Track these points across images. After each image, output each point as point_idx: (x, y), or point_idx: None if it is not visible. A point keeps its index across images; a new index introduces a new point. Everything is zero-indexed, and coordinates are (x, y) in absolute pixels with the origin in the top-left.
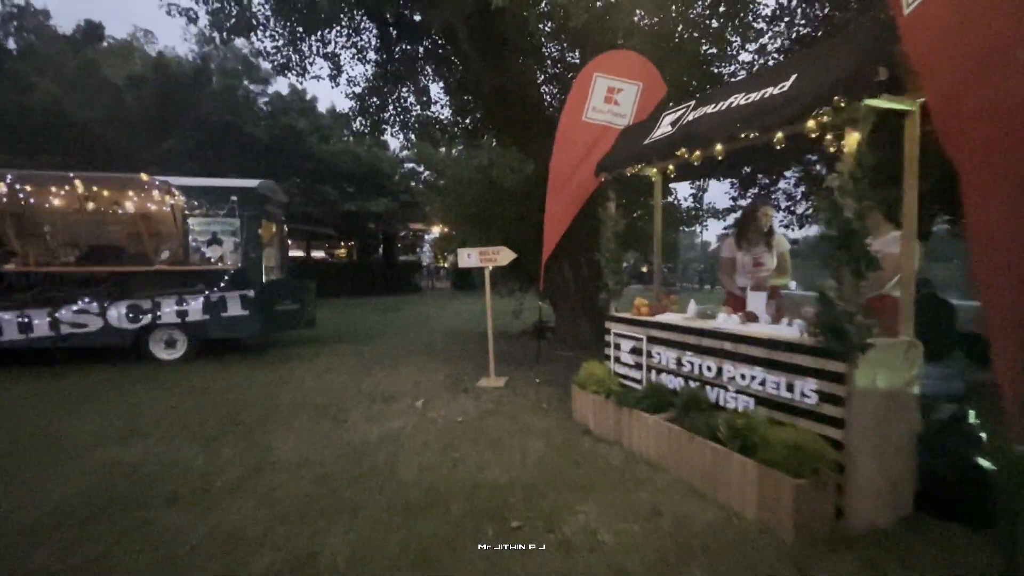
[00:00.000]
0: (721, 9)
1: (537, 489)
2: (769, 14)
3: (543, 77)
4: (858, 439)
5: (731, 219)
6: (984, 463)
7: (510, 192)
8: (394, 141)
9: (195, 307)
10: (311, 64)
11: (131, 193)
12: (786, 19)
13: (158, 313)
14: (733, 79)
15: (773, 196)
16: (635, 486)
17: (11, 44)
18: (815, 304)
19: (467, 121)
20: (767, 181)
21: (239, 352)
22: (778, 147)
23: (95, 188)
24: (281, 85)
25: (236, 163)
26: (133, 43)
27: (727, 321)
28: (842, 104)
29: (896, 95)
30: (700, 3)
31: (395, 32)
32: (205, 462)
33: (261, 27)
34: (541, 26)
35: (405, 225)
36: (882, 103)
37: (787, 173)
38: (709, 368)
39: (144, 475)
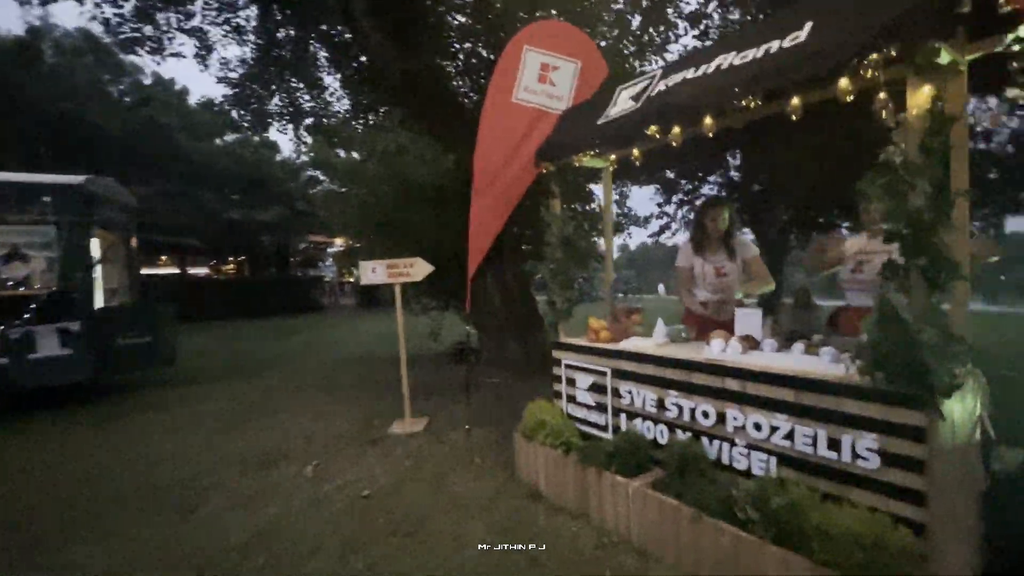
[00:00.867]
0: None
1: None
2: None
3: (460, 62)
4: (945, 520)
5: (655, 226)
6: None
7: (425, 191)
8: (290, 144)
9: None
10: (170, 40)
11: None
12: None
13: None
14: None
15: (697, 200)
16: None
17: None
18: (868, 327)
19: (370, 116)
20: (690, 186)
21: (70, 402)
22: (793, 116)
23: None
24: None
25: (85, 162)
26: None
27: (722, 349)
28: (904, 50)
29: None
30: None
31: (279, 8)
32: None
33: None
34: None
35: (304, 237)
36: (950, 53)
37: (710, 177)
38: (706, 414)
39: None
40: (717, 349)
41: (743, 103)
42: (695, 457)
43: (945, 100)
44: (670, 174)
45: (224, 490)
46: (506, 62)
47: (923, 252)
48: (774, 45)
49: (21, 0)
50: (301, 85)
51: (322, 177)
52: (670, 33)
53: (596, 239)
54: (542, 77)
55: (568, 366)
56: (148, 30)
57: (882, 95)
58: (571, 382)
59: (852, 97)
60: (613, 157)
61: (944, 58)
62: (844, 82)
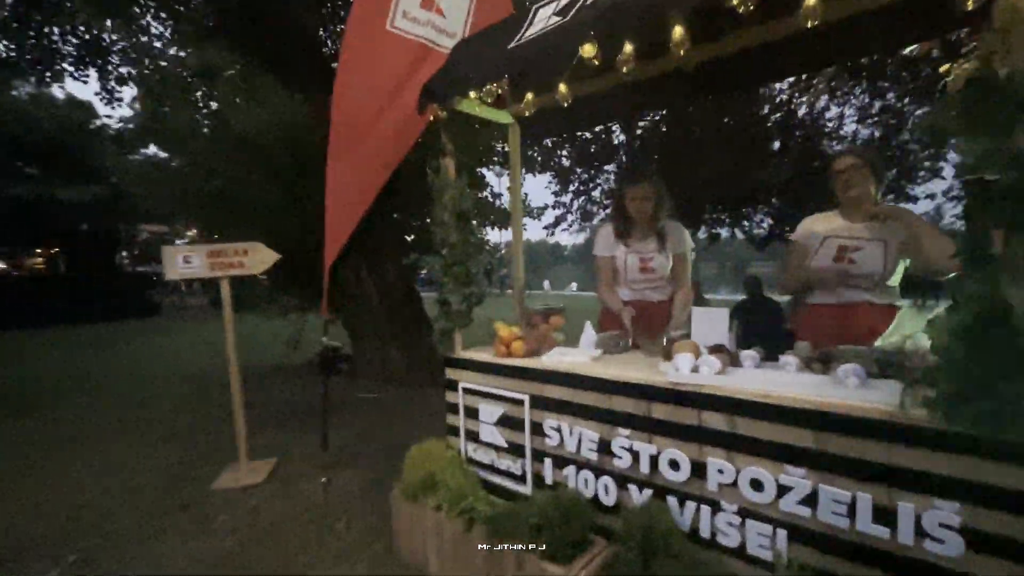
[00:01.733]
0: None
1: None
2: None
3: None
4: None
5: (552, 217)
6: None
7: (273, 157)
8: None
9: None
10: None
11: None
12: None
13: None
14: None
15: (593, 191)
16: None
17: None
18: (934, 335)
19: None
20: (586, 175)
21: None
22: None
23: None
24: None
25: None
26: None
27: (692, 367)
28: None
29: None
30: None
31: None
32: None
33: None
34: None
35: (135, 225)
36: None
37: (607, 166)
38: (674, 464)
39: None
40: (685, 367)
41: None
42: (663, 533)
43: None
44: (566, 162)
45: None
46: None
47: None
48: None
49: None
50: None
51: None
52: None
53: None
54: (427, 2)
55: (468, 391)
56: None
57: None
58: (472, 413)
59: None
60: (525, 102)
61: None
62: None
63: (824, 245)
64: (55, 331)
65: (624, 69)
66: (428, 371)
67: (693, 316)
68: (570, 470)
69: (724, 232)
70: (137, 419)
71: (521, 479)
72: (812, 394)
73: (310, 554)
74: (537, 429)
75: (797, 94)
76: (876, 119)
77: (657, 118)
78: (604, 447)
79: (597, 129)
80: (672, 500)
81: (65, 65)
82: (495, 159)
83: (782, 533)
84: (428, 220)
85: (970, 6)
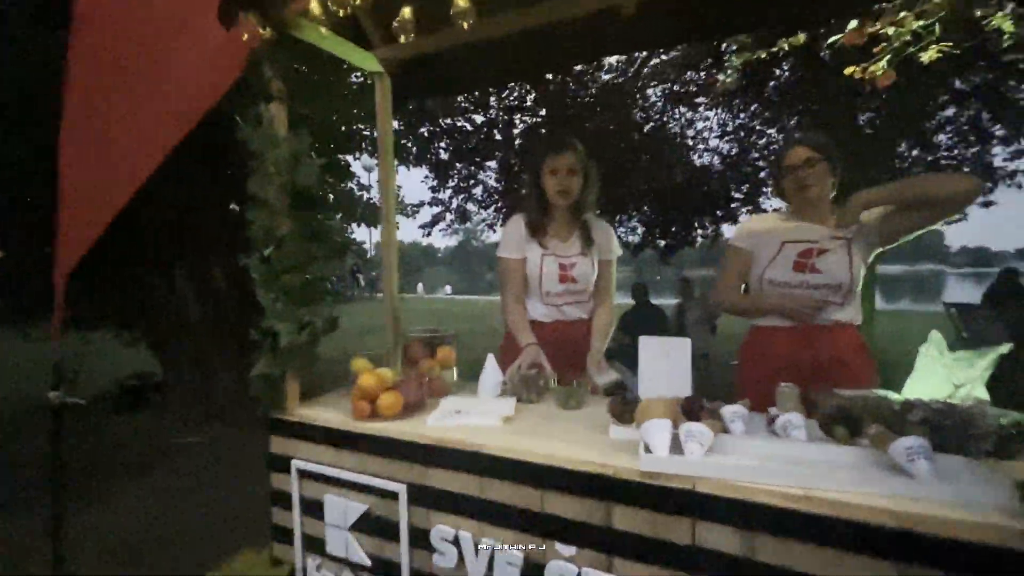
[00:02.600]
0: None
1: None
2: None
3: None
4: None
5: (428, 215)
6: None
7: None
8: None
9: None
10: None
11: None
12: None
13: None
14: None
15: (473, 189)
16: None
17: None
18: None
19: None
20: (466, 170)
21: None
22: None
23: None
24: None
25: None
26: None
27: (665, 443)
28: None
29: None
30: None
31: None
32: None
33: None
34: None
35: None
36: None
37: (490, 163)
38: None
39: None
40: (661, 443)
41: None
42: None
43: None
44: (443, 155)
45: None
46: None
47: None
48: None
49: None
50: None
51: None
52: None
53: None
54: None
55: (307, 475)
56: None
57: None
58: (314, 509)
59: None
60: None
61: None
62: None
63: (783, 251)
64: None
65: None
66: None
67: (641, 349)
68: None
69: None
70: None
71: None
72: (879, 492)
73: None
74: (420, 539)
75: (670, 104)
76: (732, 136)
77: (538, 120)
78: (534, 574)
79: (479, 121)
80: None
81: None
82: (362, 144)
83: None
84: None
85: None
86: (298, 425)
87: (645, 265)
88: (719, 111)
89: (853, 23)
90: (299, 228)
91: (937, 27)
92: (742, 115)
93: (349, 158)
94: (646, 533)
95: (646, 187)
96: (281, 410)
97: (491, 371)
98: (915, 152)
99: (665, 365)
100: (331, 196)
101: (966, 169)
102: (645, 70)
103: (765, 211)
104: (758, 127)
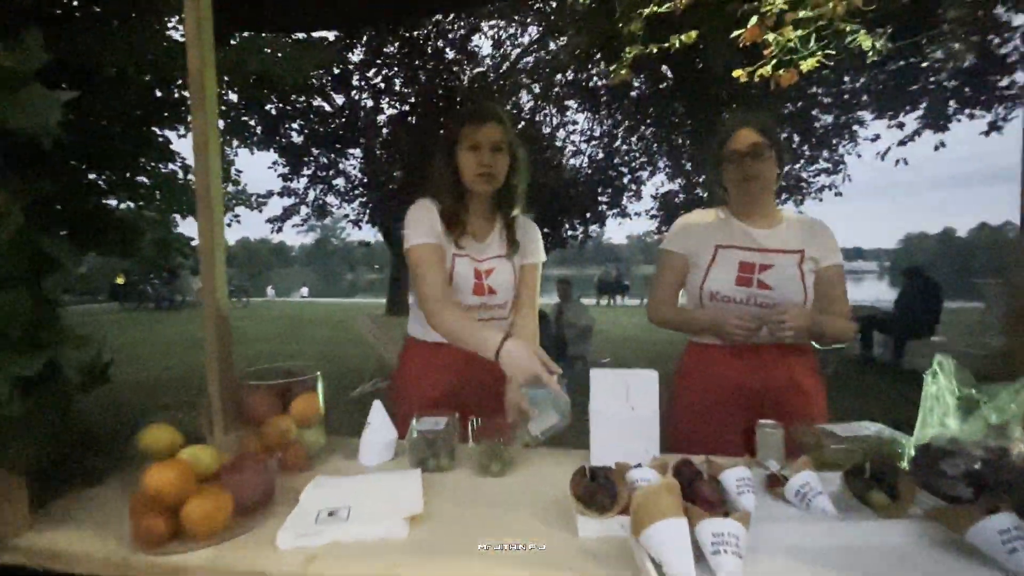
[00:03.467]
0: None
1: None
2: None
3: None
4: None
5: (276, 208)
6: None
7: None
8: None
9: None
10: None
11: None
12: None
13: None
14: None
15: (334, 180)
16: None
17: None
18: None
19: None
20: (325, 157)
21: None
22: None
23: None
24: None
25: None
26: None
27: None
28: None
29: None
30: None
31: None
32: None
33: None
34: None
35: None
36: None
37: (353, 151)
38: None
39: None
40: (684, 568)
41: None
42: None
43: None
44: (297, 137)
45: None
46: None
47: None
48: None
49: None
50: None
51: None
52: None
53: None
54: None
55: None
56: None
57: None
58: None
59: None
60: None
61: None
62: None
63: (720, 259)
64: None
65: None
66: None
67: (593, 383)
68: None
69: None
70: None
71: None
72: None
73: None
74: None
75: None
76: (597, 141)
77: (405, 108)
78: None
79: (340, 102)
80: None
81: None
82: (187, 116)
83: None
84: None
85: None
86: (18, 572)
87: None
88: (588, 114)
89: (753, 19)
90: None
91: (813, 39)
92: (608, 121)
93: (172, 135)
94: None
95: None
96: None
97: (379, 427)
98: None
99: (623, 409)
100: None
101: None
102: (519, 65)
103: (629, 216)
104: (622, 133)
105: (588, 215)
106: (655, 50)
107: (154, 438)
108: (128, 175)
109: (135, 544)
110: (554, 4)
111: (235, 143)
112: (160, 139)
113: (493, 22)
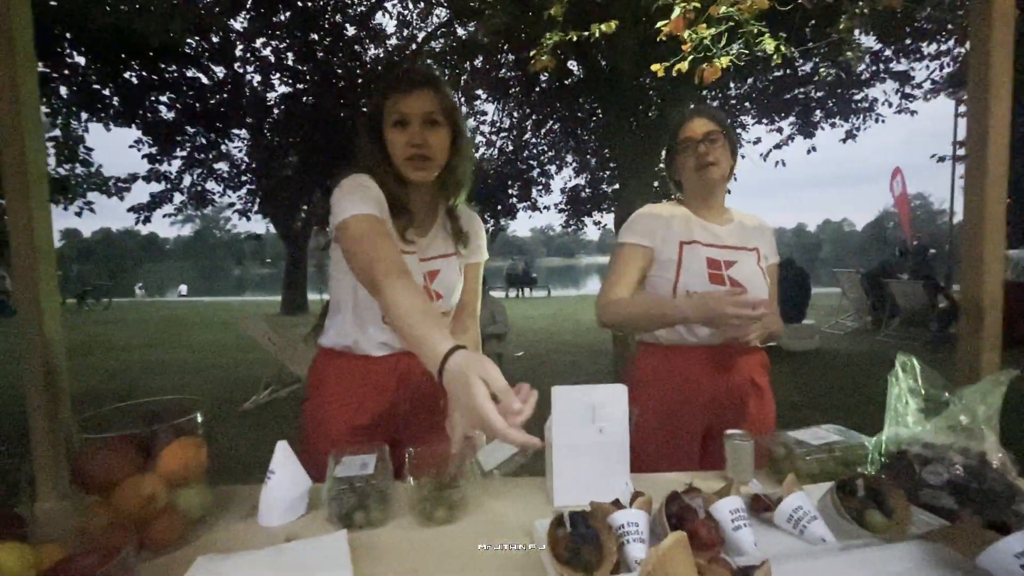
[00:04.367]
0: None
1: None
2: None
3: None
4: None
5: (143, 194)
6: None
7: None
8: None
9: None
10: None
11: None
12: None
13: None
14: None
15: (215, 163)
16: None
17: None
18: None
19: None
20: (204, 138)
21: None
22: None
23: None
24: None
25: None
26: None
27: None
28: None
29: None
30: None
31: None
32: None
33: None
34: None
35: None
36: None
37: (236, 129)
38: None
39: None
40: None
41: None
42: None
43: None
44: (167, 112)
45: None
46: None
47: None
48: None
49: None
50: None
51: None
52: None
53: None
54: None
55: None
56: None
57: None
58: None
59: None
60: None
61: None
62: None
63: (687, 256)
64: None
65: None
66: None
67: (555, 404)
68: None
69: None
70: None
71: None
72: None
73: None
74: None
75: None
76: (507, 133)
77: (301, 87)
78: None
79: (221, 74)
80: None
81: None
82: None
83: None
84: None
85: None
86: None
87: None
88: (498, 105)
89: (676, 11)
90: None
91: (724, 38)
92: (517, 113)
93: None
94: None
95: None
96: None
97: (285, 477)
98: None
99: (590, 433)
100: None
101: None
102: (426, 49)
103: (539, 210)
104: (531, 126)
105: (499, 207)
106: (575, 38)
107: None
108: None
109: None
110: None
111: (84, 116)
112: None
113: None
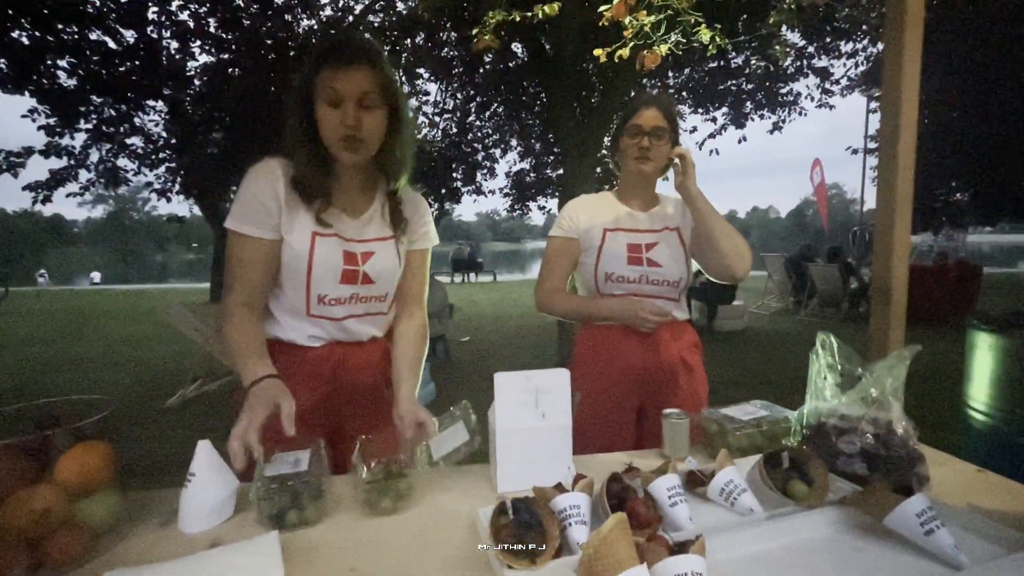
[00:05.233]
0: None
1: None
2: None
3: None
4: None
5: (41, 171)
6: None
7: None
8: None
9: None
10: None
11: None
12: None
13: None
14: None
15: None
16: None
17: None
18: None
19: None
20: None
21: None
22: None
23: None
24: None
25: None
26: None
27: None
28: None
29: None
30: None
31: None
32: None
33: None
34: None
35: None
36: None
37: (154, 102)
38: None
39: None
40: None
41: None
42: None
43: None
44: (67, 79)
45: None
46: None
47: None
48: None
49: None
50: None
51: None
52: None
53: None
54: None
55: None
56: None
57: None
58: None
59: None
60: None
61: None
62: None
63: (609, 241)
64: None
65: None
66: None
67: (498, 390)
68: None
69: None
70: None
71: None
72: None
73: None
74: None
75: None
76: (450, 115)
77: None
78: None
79: (131, 38)
80: None
81: None
82: None
83: None
84: None
85: None
86: None
87: None
88: (441, 85)
89: None
90: None
91: (664, 26)
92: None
93: None
94: None
95: None
96: None
97: (208, 478)
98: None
99: (533, 418)
100: None
101: None
102: (363, 23)
103: (484, 194)
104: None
105: (443, 191)
106: (518, 18)
107: None
108: None
109: None
110: None
111: None
112: None
113: None
